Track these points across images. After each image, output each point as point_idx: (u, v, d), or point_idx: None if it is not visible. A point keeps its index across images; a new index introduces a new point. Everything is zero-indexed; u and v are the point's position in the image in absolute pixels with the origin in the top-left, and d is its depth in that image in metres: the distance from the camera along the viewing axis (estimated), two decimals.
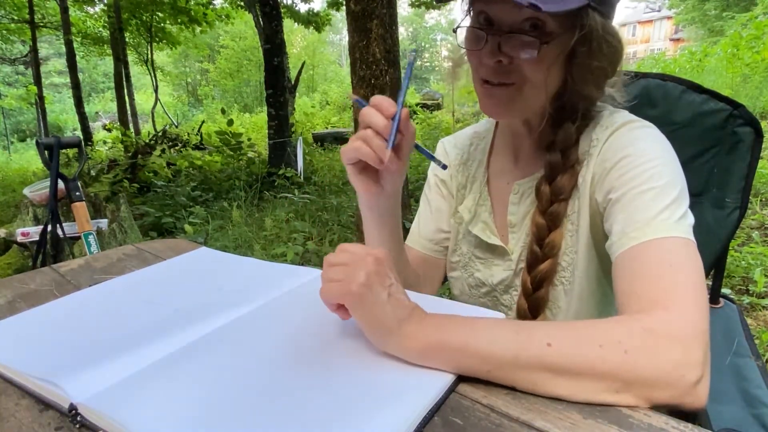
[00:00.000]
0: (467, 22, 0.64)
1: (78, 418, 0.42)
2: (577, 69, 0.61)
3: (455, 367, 0.45)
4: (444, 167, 0.63)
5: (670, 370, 0.42)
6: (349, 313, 0.50)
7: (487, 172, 0.78)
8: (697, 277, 0.49)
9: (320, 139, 8.62)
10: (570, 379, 0.42)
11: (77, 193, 1.89)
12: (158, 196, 4.71)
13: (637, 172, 0.57)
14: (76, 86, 8.80)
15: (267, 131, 5.97)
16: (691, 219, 0.54)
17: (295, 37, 25.39)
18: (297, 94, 8.46)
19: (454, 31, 0.65)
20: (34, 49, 9.87)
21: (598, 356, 0.42)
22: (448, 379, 0.45)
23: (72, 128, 21.86)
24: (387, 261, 0.51)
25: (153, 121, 12.08)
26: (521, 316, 0.69)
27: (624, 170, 0.59)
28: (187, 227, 3.62)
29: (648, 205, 0.54)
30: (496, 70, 0.60)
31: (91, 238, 1.88)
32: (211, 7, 9.75)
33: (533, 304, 0.68)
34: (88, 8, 10.83)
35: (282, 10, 6.12)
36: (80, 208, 1.89)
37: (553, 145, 0.67)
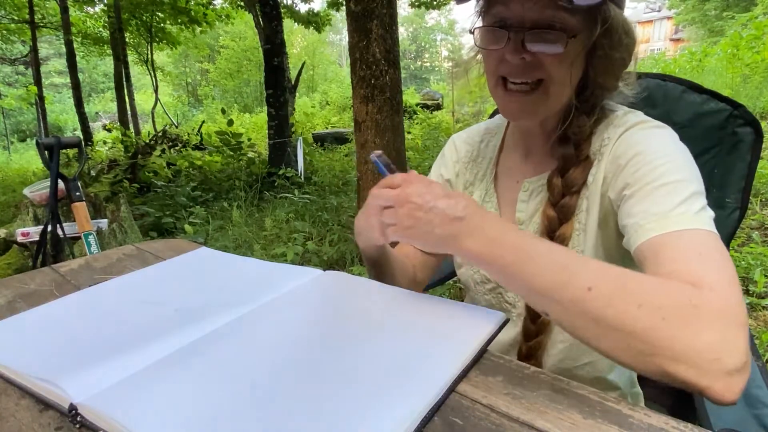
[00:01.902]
0: (480, 23, 0.64)
1: (78, 418, 0.42)
2: (600, 62, 0.62)
3: (504, 284, 0.53)
4: None
5: (704, 350, 0.40)
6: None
7: (495, 169, 0.78)
8: (731, 267, 0.47)
9: (320, 139, 8.62)
10: (599, 326, 0.44)
11: (77, 193, 1.89)
12: (158, 197, 4.71)
13: (651, 168, 0.57)
14: (76, 86, 8.80)
15: (267, 131, 5.96)
16: (710, 212, 0.53)
17: (295, 37, 25.38)
18: (297, 94, 8.46)
19: (471, 32, 0.65)
20: (34, 49, 9.86)
21: (633, 315, 0.42)
22: (448, 378, 0.45)
23: (72, 128, 21.87)
24: (418, 188, 0.54)
25: (153, 121, 12.08)
26: (530, 307, 0.69)
27: (638, 166, 0.58)
28: (187, 227, 3.61)
29: (663, 200, 0.54)
30: (518, 67, 0.60)
31: (91, 238, 1.88)
32: (211, 7, 9.74)
33: None
34: (88, 8, 10.82)
35: (282, 10, 6.11)
36: (80, 208, 1.89)
37: (567, 138, 0.67)
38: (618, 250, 0.66)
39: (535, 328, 0.70)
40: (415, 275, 0.82)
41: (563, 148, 0.67)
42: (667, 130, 0.63)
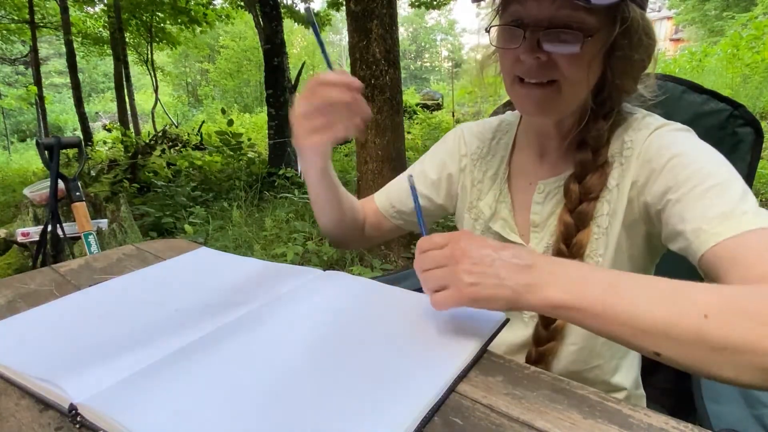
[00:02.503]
0: (496, 21, 0.64)
1: (78, 418, 0.42)
2: (618, 63, 0.61)
3: (597, 330, 0.45)
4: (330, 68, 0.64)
5: None
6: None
7: (508, 169, 0.77)
8: None
9: None
10: (724, 354, 0.40)
11: (77, 193, 1.89)
12: (158, 196, 4.71)
13: (694, 169, 0.55)
14: (76, 86, 8.80)
15: (267, 131, 5.97)
16: (764, 210, 0.51)
17: (295, 37, 25.36)
18: (297, 94, 8.45)
19: (487, 30, 0.64)
20: (34, 49, 9.85)
21: (759, 335, 0.40)
22: (448, 378, 0.45)
23: (72, 128, 21.85)
24: (473, 242, 0.49)
25: (153, 121, 12.09)
26: (543, 315, 0.68)
27: (678, 170, 0.57)
28: (187, 227, 3.61)
29: (719, 201, 0.52)
30: (533, 67, 0.59)
31: (91, 238, 1.88)
32: (211, 7, 9.74)
33: None
34: (88, 8, 10.82)
35: (282, 10, 6.11)
36: (80, 208, 1.89)
37: (584, 143, 0.66)
38: (644, 257, 0.65)
39: (548, 334, 0.68)
40: (364, 226, 0.84)
41: (581, 154, 0.65)
42: (692, 132, 0.62)
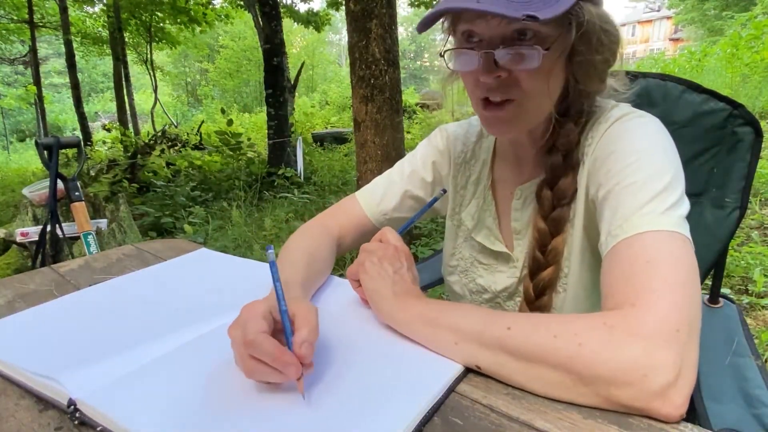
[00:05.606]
0: (451, 44, 0.62)
1: (77, 414, 0.42)
2: (580, 67, 0.59)
3: (431, 338, 0.50)
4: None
5: (629, 368, 0.39)
6: (362, 294, 0.61)
7: (491, 175, 0.75)
8: (679, 271, 0.45)
9: (320, 139, 8.62)
10: (526, 365, 0.43)
11: (77, 193, 1.89)
12: (158, 196, 4.70)
13: (622, 166, 0.55)
14: (75, 86, 8.79)
15: (267, 131, 5.96)
16: (682, 209, 0.50)
17: (295, 37, 25.35)
18: (297, 94, 8.45)
19: (441, 55, 0.62)
20: (34, 49, 9.85)
21: (551, 345, 0.42)
22: (448, 378, 0.45)
23: (71, 128, 21.84)
24: (406, 254, 0.61)
25: (152, 121, 12.08)
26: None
27: (610, 165, 0.56)
28: (186, 227, 3.61)
29: (630, 200, 0.51)
30: (494, 86, 0.57)
31: (90, 238, 1.88)
32: (210, 7, 9.74)
33: (536, 312, 0.66)
34: (88, 8, 10.82)
35: (281, 10, 6.11)
36: (80, 208, 1.88)
37: (554, 147, 0.64)
38: None
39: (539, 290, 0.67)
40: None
41: (551, 158, 0.64)
42: (648, 119, 0.60)
